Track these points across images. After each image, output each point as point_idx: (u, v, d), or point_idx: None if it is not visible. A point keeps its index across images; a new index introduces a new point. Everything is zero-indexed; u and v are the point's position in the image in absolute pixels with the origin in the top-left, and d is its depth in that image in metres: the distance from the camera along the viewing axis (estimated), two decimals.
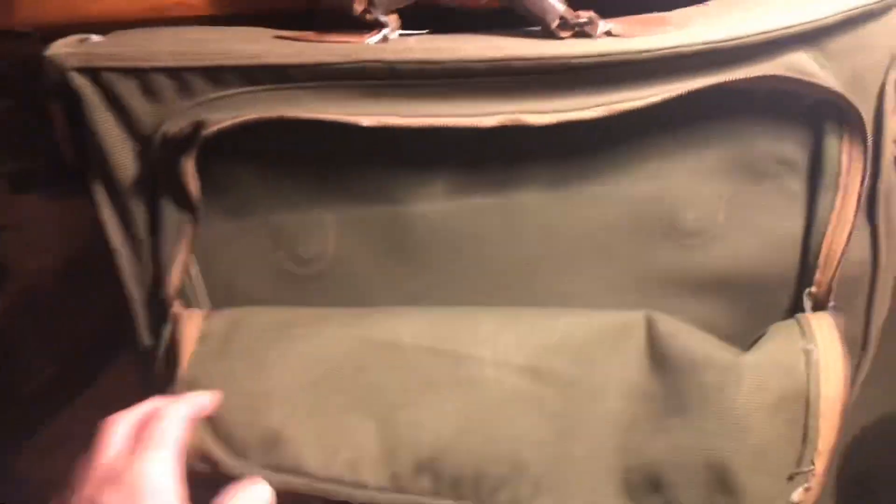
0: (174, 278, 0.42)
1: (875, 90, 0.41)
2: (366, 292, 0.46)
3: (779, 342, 0.42)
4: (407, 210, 0.44)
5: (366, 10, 0.39)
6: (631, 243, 0.46)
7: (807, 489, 0.38)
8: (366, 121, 0.38)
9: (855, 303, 0.47)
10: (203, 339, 0.40)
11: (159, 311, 0.42)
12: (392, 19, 0.40)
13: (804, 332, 0.42)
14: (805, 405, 0.39)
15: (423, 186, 0.44)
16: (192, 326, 0.41)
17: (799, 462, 0.38)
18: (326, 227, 0.44)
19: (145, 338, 0.44)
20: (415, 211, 0.44)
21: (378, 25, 0.39)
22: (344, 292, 0.46)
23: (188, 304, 0.44)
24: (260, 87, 0.38)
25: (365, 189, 0.43)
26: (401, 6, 0.40)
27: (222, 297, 0.45)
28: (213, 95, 0.38)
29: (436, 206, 0.44)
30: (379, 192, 0.44)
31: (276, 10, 0.47)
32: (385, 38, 0.39)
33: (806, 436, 0.39)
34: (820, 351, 0.41)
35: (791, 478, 0.38)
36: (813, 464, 0.38)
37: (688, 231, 0.46)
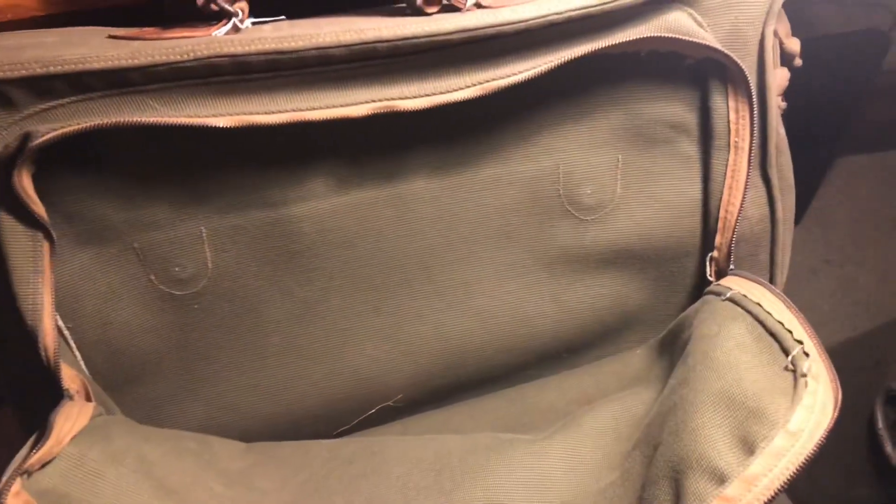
0: (47, 329, 0.36)
1: (755, 44, 0.40)
2: (255, 305, 0.42)
3: (710, 317, 0.40)
4: (287, 212, 0.41)
5: (208, 1, 0.35)
6: (529, 224, 0.44)
7: (808, 354, 0.35)
8: (221, 122, 0.34)
9: (759, 259, 0.47)
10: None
11: (36, 369, 0.37)
12: (241, 7, 0.36)
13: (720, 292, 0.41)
14: (766, 331, 0.37)
15: (302, 185, 0.40)
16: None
17: (786, 354, 0.35)
18: (200, 242, 0.40)
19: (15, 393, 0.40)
20: (296, 212, 0.41)
21: (225, 15, 0.35)
22: (232, 308, 0.42)
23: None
24: (95, 94, 0.34)
25: (236, 195, 0.40)
26: None
27: (95, 338, 0.40)
28: (39, 107, 0.34)
29: (319, 205, 0.41)
30: (253, 197, 0.40)
31: (118, 5, 0.42)
32: (235, 29, 0.36)
33: (774, 336, 0.36)
34: (742, 293, 0.40)
35: (789, 368, 0.35)
36: (798, 342, 0.35)
37: (586, 206, 0.44)
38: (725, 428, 0.33)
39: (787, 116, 0.44)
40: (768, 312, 0.38)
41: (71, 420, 0.35)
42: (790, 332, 0.36)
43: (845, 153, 1.03)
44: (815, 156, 0.94)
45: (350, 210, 0.42)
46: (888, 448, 0.64)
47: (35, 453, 0.33)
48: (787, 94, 0.44)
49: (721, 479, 0.32)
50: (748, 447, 0.32)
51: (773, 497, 0.31)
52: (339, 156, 0.40)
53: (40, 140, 0.32)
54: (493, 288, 0.45)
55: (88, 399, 0.39)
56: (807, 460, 0.31)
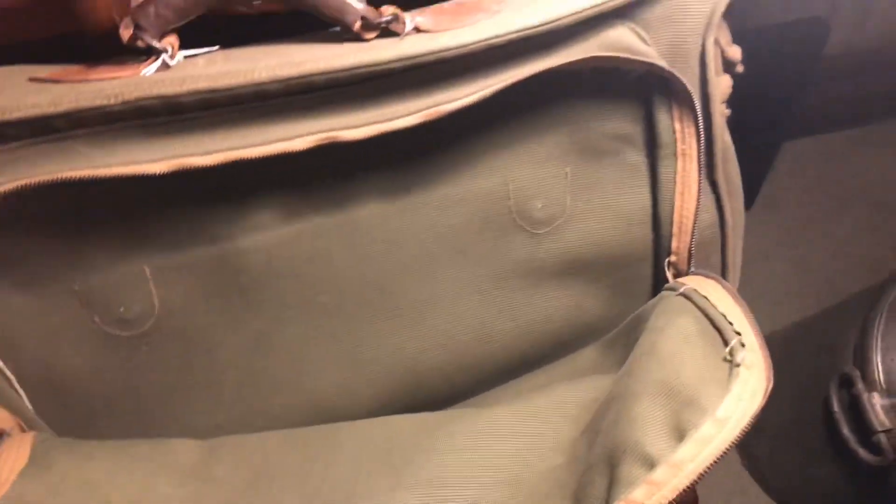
0: None
1: (696, 55, 0.40)
2: (206, 340, 0.41)
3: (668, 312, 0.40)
4: (233, 246, 0.40)
5: (134, 37, 0.33)
6: (483, 241, 0.44)
7: (743, 344, 0.36)
8: (156, 168, 0.33)
9: (711, 262, 0.48)
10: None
11: None
12: (170, 41, 0.35)
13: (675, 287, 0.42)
14: (711, 323, 0.38)
15: (246, 218, 0.39)
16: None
17: (726, 345, 0.36)
18: (144, 281, 0.39)
19: None
20: (242, 245, 0.40)
21: (154, 52, 0.34)
22: (183, 347, 0.41)
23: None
24: (18, 144, 0.32)
25: (179, 232, 0.38)
26: (177, 25, 0.34)
27: (39, 379, 0.39)
28: None
29: (266, 236, 0.40)
30: (196, 233, 0.39)
31: (37, 39, 0.40)
32: (165, 66, 0.34)
33: (718, 328, 0.37)
34: (695, 288, 0.41)
35: (727, 358, 0.36)
36: (737, 332, 0.36)
37: (538, 219, 0.44)
38: (661, 416, 0.34)
39: (733, 105, 0.45)
40: (714, 305, 0.39)
41: (9, 464, 0.35)
42: (731, 323, 0.37)
43: (791, 137, 1.05)
44: (763, 142, 0.96)
45: (299, 239, 0.41)
46: (844, 430, 0.66)
47: None
48: (733, 84, 0.44)
49: (652, 465, 0.32)
50: (679, 435, 0.33)
51: (697, 481, 0.32)
52: (283, 186, 0.39)
53: None
54: (450, 307, 0.45)
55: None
56: (732, 446, 0.32)
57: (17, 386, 0.39)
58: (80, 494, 0.35)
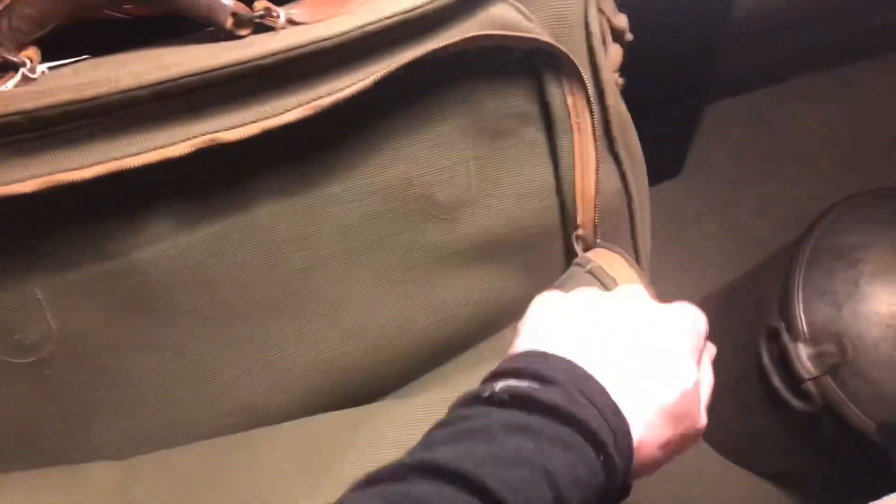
0: None
1: (580, 27, 0.40)
2: (115, 360, 0.40)
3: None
4: (130, 261, 0.38)
5: None
6: (394, 231, 0.44)
7: None
8: (27, 187, 0.32)
9: (620, 230, 0.48)
10: None
11: None
12: (29, 55, 0.33)
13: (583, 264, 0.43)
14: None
15: (140, 230, 0.38)
16: None
17: None
18: (38, 306, 0.37)
19: None
20: (140, 259, 0.38)
21: (11, 67, 0.33)
22: (93, 367, 0.40)
23: None
24: None
25: (68, 252, 0.37)
26: (35, 37, 0.33)
27: None
28: None
29: (165, 247, 0.39)
30: (87, 251, 0.37)
31: None
32: (25, 80, 0.33)
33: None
34: (601, 265, 0.43)
35: None
36: None
37: (445, 205, 0.44)
38: None
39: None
40: (616, 282, 0.41)
41: None
42: None
43: (713, 100, 1.07)
44: (686, 107, 0.97)
45: (201, 247, 0.40)
46: (775, 381, 0.68)
47: None
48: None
49: None
50: None
51: None
52: (173, 194, 0.38)
53: None
54: (367, 299, 0.44)
55: None
56: None
57: None
58: None
